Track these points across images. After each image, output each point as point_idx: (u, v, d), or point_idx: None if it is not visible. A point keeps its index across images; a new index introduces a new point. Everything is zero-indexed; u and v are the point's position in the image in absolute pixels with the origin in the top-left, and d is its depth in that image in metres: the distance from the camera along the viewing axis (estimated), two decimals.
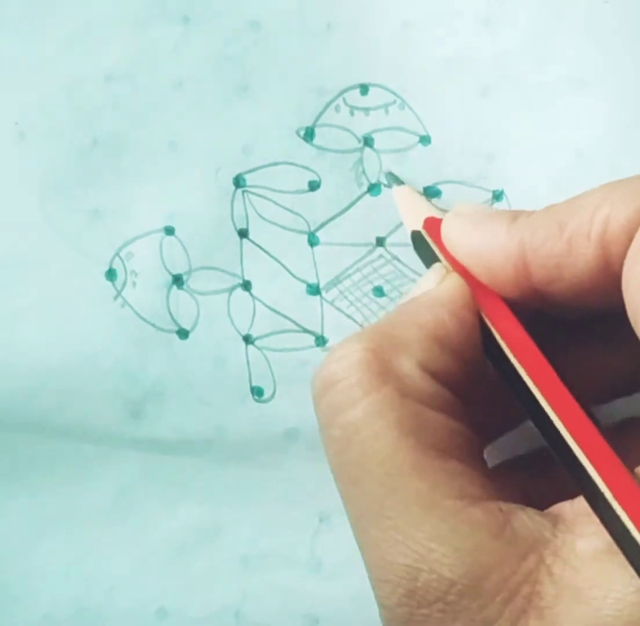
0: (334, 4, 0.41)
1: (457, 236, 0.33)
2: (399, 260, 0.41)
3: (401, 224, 0.40)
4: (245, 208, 0.40)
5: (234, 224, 0.40)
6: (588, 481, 0.28)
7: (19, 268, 0.40)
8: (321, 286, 0.40)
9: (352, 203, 0.41)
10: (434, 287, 0.33)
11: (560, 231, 0.30)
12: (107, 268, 0.40)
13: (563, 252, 0.30)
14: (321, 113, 0.41)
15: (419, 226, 0.37)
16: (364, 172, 0.41)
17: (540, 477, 0.32)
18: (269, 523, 0.40)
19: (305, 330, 0.40)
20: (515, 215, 0.32)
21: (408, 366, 0.30)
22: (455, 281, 0.32)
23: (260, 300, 0.40)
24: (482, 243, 0.32)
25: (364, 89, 0.41)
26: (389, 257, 0.41)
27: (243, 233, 0.40)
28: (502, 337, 0.31)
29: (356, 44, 0.41)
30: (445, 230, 0.34)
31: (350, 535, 0.40)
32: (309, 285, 0.40)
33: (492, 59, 0.40)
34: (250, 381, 0.40)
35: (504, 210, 0.33)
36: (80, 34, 0.40)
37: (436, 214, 0.37)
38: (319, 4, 0.41)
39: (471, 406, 0.31)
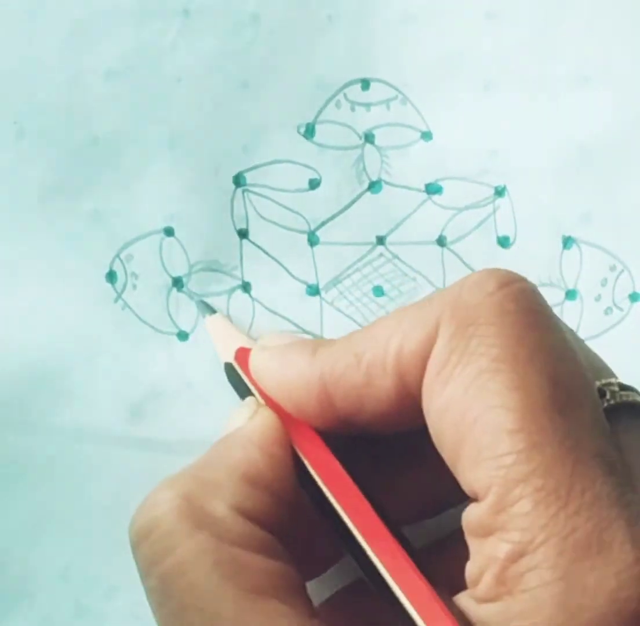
0: None
1: (263, 369, 0.33)
2: (399, 258, 0.40)
3: (402, 222, 0.40)
4: (245, 208, 0.40)
5: (234, 224, 0.40)
6: (404, 613, 0.28)
7: (19, 270, 0.40)
8: (321, 286, 0.40)
9: (353, 202, 0.40)
10: (246, 423, 0.32)
11: (357, 363, 0.31)
12: (107, 270, 0.40)
13: (362, 384, 0.30)
14: (322, 109, 0.40)
15: (231, 357, 0.37)
16: (364, 169, 0.40)
17: (366, 610, 0.31)
18: None
19: (305, 331, 0.40)
20: (316, 347, 0.32)
21: (221, 509, 0.29)
22: (266, 416, 0.32)
23: (259, 302, 0.40)
24: (286, 376, 0.32)
25: (365, 84, 0.40)
26: (389, 255, 0.40)
27: (243, 234, 0.40)
28: (314, 470, 0.31)
29: (357, 39, 0.40)
30: (253, 363, 0.34)
31: None
32: (309, 286, 0.40)
33: (495, 54, 0.40)
34: None
35: (307, 341, 0.33)
36: (79, 30, 0.40)
37: (248, 344, 0.37)
38: None
39: (290, 542, 0.30)
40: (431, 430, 0.30)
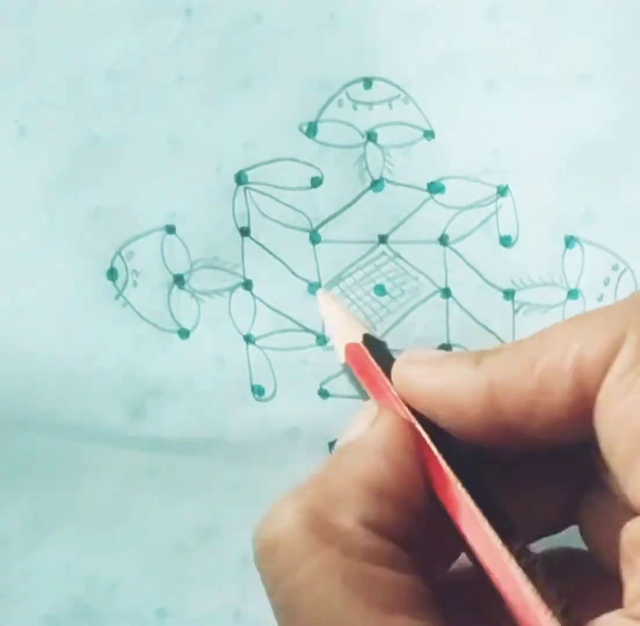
0: None
1: (416, 379, 0.33)
2: (401, 257, 0.40)
3: (405, 221, 0.40)
4: (247, 206, 0.40)
5: (236, 222, 0.40)
6: None
7: (20, 267, 0.40)
8: (322, 284, 0.40)
9: (355, 200, 0.40)
10: (367, 429, 0.32)
11: (531, 368, 0.30)
12: (108, 267, 0.40)
13: (535, 390, 0.30)
14: (324, 107, 0.40)
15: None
16: (367, 167, 0.40)
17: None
18: None
19: (306, 330, 0.40)
20: (479, 356, 0.32)
21: (348, 523, 0.29)
22: (388, 421, 0.32)
23: (261, 300, 0.40)
24: (446, 384, 0.32)
25: (368, 83, 0.40)
26: (391, 254, 0.40)
27: (244, 232, 0.40)
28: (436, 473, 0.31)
29: (359, 37, 0.40)
30: (401, 374, 0.33)
31: None
32: (311, 284, 0.40)
33: (497, 52, 0.40)
34: (251, 380, 0.40)
35: (465, 352, 0.33)
36: (80, 28, 0.40)
37: (356, 335, 0.36)
38: None
39: (416, 552, 0.30)
40: (602, 439, 0.29)
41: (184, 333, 0.40)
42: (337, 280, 0.40)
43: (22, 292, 0.40)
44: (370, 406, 0.33)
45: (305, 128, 0.40)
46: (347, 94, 0.40)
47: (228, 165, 0.40)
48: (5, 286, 0.40)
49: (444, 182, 0.40)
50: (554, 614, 0.27)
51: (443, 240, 0.40)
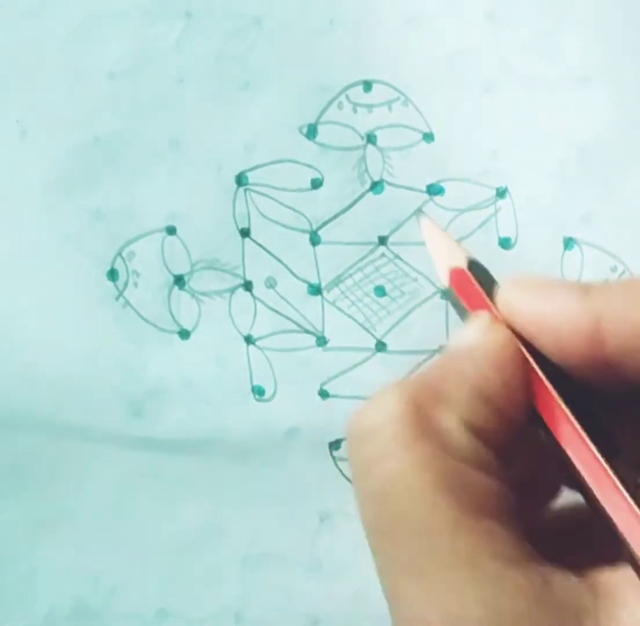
0: (336, 0, 0.40)
1: (520, 303, 0.32)
2: (400, 258, 0.40)
3: (403, 223, 0.40)
4: (247, 207, 0.40)
5: (236, 223, 0.40)
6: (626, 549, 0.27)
7: (21, 268, 0.40)
8: (322, 286, 0.40)
9: (355, 202, 0.40)
10: (479, 337, 0.31)
11: None
12: (109, 268, 0.40)
13: None
14: (324, 110, 0.40)
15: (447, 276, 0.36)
16: (366, 169, 0.41)
17: (579, 539, 0.31)
18: (269, 523, 0.40)
19: (306, 331, 0.40)
20: (587, 286, 0.31)
21: (450, 421, 0.28)
22: (503, 334, 0.31)
23: (261, 301, 0.40)
24: (551, 312, 0.30)
25: (367, 85, 0.41)
26: (391, 255, 0.40)
27: (245, 233, 0.40)
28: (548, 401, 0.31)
29: (359, 41, 0.40)
30: (506, 297, 0.33)
31: (350, 535, 0.40)
32: (311, 285, 0.40)
33: (496, 55, 0.40)
34: (251, 380, 0.40)
35: (573, 281, 0.32)
36: (82, 31, 0.40)
37: (460, 260, 0.36)
38: (321, 0, 0.40)
39: (513, 467, 0.30)
40: None
41: (184, 334, 0.40)
42: (337, 281, 0.40)
43: (23, 292, 0.40)
44: (483, 316, 0.33)
45: (305, 130, 0.41)
46: (347, 97, 0.41)
47: (228, 166, 0.40)
48: (6, 286, 0.40)
49: (443, 184, 0.41)
50: None
51: None
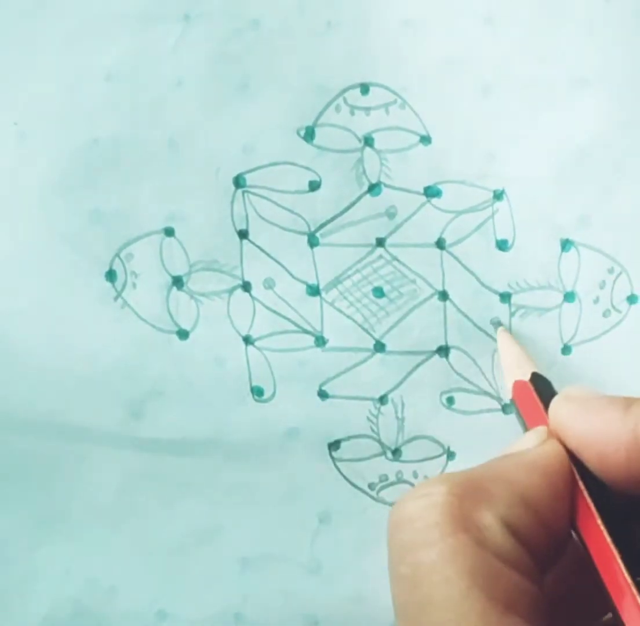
0: (334, 3, 0.40)
1: (568, 419, 0.33)
2: (398, 260, 0.41)
3: (401, 225, 0.41)
4: (245, 209, 0.40)
5: (234, 225, 0.40)
6: None
7: (19, 269, 0.40)
8: (321, 287, 0.40)
9: (353, 204, 0.41)
10: (532, 448, 0.32)
11: None
12: (107, 269, 0.40)
13: None
14: (321, 112, 0.41)
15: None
16: (364, 172, 0.41)
17: None
18: (269, 524, 0.40)
19: (305, 331, 0.40)
20: (629, 402, 0.32)
21: (489, 518, 0.29)
22: (555, 448, 0.32)
23: (260, 301, 0.40)
24: (595, 428, 0.32)
25: (365, 88, 0.41)
26: (389, 257, 0.41)
27: (243, 234, 0.40)
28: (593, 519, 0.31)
29: (357, 43, 0.41)
30: (556, 412, 0.34)
31: (350, 535, 0.40)
32: (309, 286, 0.40)
33: (493, 58, 0.40)
34: (250, 381, 0.40)
35: (617, 397, 0.33)
36: (80, 33, 0.40)
37: (525, 372, 0.38)
38: (319, 3, 0.40)
39: (548, 573, 0.30)
40: None
41: (183, 334, 0.40)
42: (336, 282, 0.40)
43: (21, 293, 0.40)
44: (540, 430, 0.34)
45: (303, 132, 0.41)
46: (344, 99, 0.41)
47: (226, 168, 0.40)
48: (4, 287, 0.40)
49: (440, 186, 0.41)
50: None
51: (440, 243, 0.41)
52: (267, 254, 0.40)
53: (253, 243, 0.40)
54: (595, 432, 0.32)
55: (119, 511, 0.39)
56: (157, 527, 0.40)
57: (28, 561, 0.39)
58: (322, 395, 0.40)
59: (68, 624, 0.39)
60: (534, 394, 0.37)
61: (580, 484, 0.32)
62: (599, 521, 0.31)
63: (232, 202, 0.40)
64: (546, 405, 0.35)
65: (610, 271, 0.41)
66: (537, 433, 0.34)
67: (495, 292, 0.41)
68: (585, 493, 0.31)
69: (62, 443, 0.39)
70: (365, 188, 0.41)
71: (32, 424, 0.39)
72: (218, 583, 0.40)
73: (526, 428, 0.36)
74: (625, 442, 0.31)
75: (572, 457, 0.32)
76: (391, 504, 0.40)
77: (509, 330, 0.40)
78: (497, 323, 0.41)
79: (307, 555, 0.40)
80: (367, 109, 0.41)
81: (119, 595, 0.39)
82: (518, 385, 0.38)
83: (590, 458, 0.32)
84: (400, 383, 0.40)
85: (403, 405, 0.40)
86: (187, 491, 0.40)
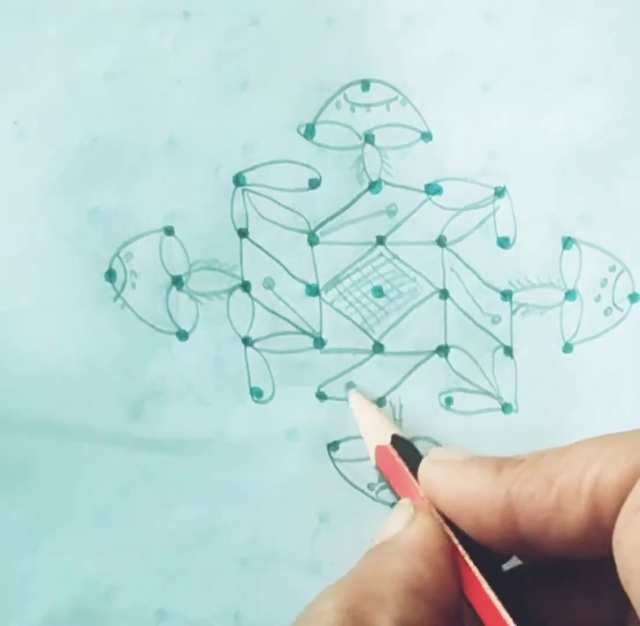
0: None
1: (439, 485, 0.33)
2: (399, 258, 0.40)
3: (402, 222, 0.40)
4: (245, 207, 0.40)
5: (234, 223, 0.40)
6: None
7: (18, 268, 0.40)
8: (320, 286, 0.40)
9: (353, 201, 0.40)
10: (404, 530, 0.32)
11: (548, 486, 0.30)
12: (106, 268, 0.40)
13: (551, 507, 0.30)
14: (322, 109, 0.40)
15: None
16: (364, 169, 0.41)
17: None
18: (269, 523, 0.40)
19: (304, 332, 0.40)
20: (500, 464, 0.32)
21: (386, 624, 0.29)
22: (425, 525, 0.32)
23: (259, 302, 0.40)
24: (467, 491, 0.32)
25: (365, 85, 0.41)
26: (389, 255, 0.40)
27: (243, 233, 0.40)
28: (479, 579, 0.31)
29: (357, 40, 0.40)
30: (425, 475, 0.34)
31: (350, 535, 0.40)
32: (308, 286, 0.40)
33: (494, 54, 0.40)
34: (249, 382, 0.40)
35: (487, 458, 0.33)
36: (79, 31, 0.40)
37: (385, 436, 0.37)
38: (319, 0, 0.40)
39: None
40: (619, 565, 0.28)
41: (182, 335, 0.40)
42: (335, 281, 0.40)
43: (20, 293, 0.40)
44: (406, 505, 0.33)
45: (303, 130, 0.40)
46: (344, 96, 0.41)
47: (226, 166, 0.40)
48: (4, 287, 0.40)
49: (441, 184, 0.41)
50: None
51: (441, 241, 0.41)
52: (267, 253, 0.40)
53: (253, 242, 0.40)
54: (468, 498, 0.32)
55: (118, 511, 0.40)
56: (156, 527, 0.40)
57: (28, 561, 0.39)
58: (321, 396, 0.40)
59: (68, 624, 0.39)
60: (397, 458, 0.36)
61: (461, 549, 0.32)
62: (485, 586, 0.31)
63: (232, 200, 0.40)
64: (412, 467, 0.35)
65: (612, 269, 0.40)
66: (404, 510, 0.33)
67: (496, 289, 0.41)
68: (467, 559, 0.31)
69: (61, 443, 0.39)
70: (366, 185, 0.41)
71: (32, 424, 0.39)
72: (218, 582, 0.40)
73: (396, 495, 0.36)
74: (499, 507, 0.31)
75: (448, 522, 0.32)
76: (391, 504, 0.40)
77: (510, 329, 0.40)
78: (350, 385, 0.40)
79: (307, 554, 0.40)
80: (368, 106, 0.41)
81: (118, 595, 0.39)
82: (380, 451, 0.37)
83: (465, 523, 0.32)
84: (399, 384, 0.40)
85: (401, 406, 0.40)
86: (186, 492, 0.40)
